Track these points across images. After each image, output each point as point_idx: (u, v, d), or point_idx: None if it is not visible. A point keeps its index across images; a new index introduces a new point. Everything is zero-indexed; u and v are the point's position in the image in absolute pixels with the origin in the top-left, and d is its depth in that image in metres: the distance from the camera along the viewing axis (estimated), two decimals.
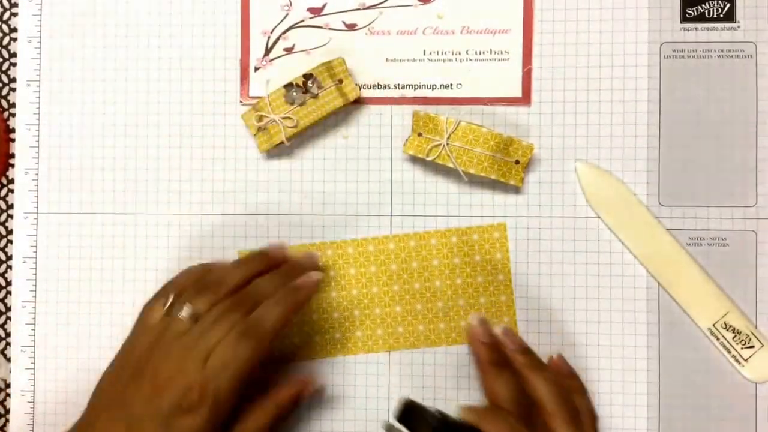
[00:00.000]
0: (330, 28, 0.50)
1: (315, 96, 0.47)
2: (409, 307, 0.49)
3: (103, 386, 0.42)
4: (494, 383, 0.42)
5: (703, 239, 0.48)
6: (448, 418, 0.41)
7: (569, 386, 0.44)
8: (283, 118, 0.47)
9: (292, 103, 0.47)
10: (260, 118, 0.48)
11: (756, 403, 0.47)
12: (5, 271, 0.51)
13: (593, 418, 0.45)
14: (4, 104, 0.51)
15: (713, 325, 0.47)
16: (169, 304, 0.42)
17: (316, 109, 0.47)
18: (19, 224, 0.51)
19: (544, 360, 0.47)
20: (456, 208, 0.49)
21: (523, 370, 0.43)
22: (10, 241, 0.51)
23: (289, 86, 0.48)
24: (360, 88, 0.49)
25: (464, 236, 0.48)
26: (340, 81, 0.48)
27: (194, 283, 0.43)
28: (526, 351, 0.44)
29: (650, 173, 0.48)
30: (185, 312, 0.41)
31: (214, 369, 0.39)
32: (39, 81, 0.51)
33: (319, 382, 0.48)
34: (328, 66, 0.48)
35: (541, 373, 0.43)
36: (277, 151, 0.50)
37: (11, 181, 0.51)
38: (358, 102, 0.49)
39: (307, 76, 0.47)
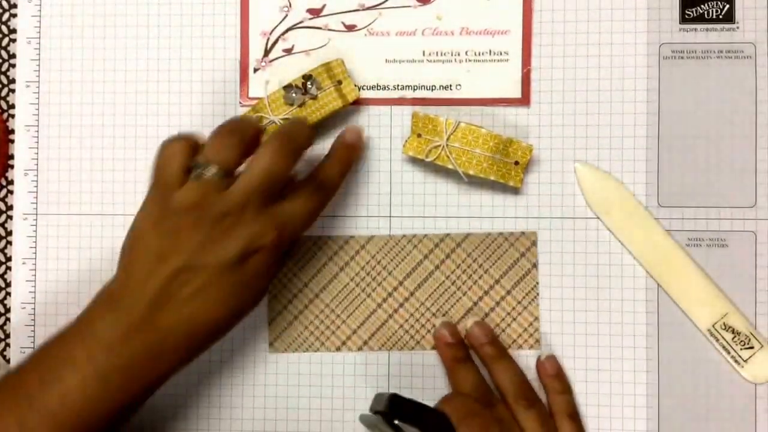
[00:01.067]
0: (329, 29, 0.50)
1: (314, 97, 0.47)
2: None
3: (141, 234, 0.41)
4: (458, 376, 0.46)
5: (703, 240, 0.48)
6: (402, 398, 0.43)
7: (549, 385, 0.47)
8: (283, 119, 0.47)
9: (291, 105, 0.47)
10: (260, 120, 0.48)
11: (755, 404, 0.47)
12: (4, 273, 0.51)
13: (572, 416, 0.46)
14: (4, 105, 0.51)
15: (712, 325, 0.47)
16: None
17: (315, 111, 0.47)
18: (18, 225, 0.51)
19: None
20: (455, 209, 0.49)
21: (488, 359, 0.46)
22: (10, 243, 0.51)
23: (288, 87, 0.48)
24: (359, 89, 0.49)
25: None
26: (339, 82, 0.48)
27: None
28: (493, 342, 0.47)
29: (649, 174, 0.48)
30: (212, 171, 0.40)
31: (285, 218, 0.42)
32: (38, 82, 0.51)
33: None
34: (327, 67, 0.48)
35: (502, 362, 0.46)
36: None
37: (10, 182, 0.51)
38: (358, 103, 0.49)
39: (306, 78, 0.47)
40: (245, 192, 0.40)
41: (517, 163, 0.47)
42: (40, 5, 0.51)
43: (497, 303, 0.48)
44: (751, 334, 0.47)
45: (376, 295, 0.49)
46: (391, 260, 0.49)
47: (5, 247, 0.51)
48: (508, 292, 0.48)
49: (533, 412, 0.44)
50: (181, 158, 0.41)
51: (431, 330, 0.48)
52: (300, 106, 0.47)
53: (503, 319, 0.48)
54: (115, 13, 0.51)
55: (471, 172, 0.47)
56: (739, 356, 0.47)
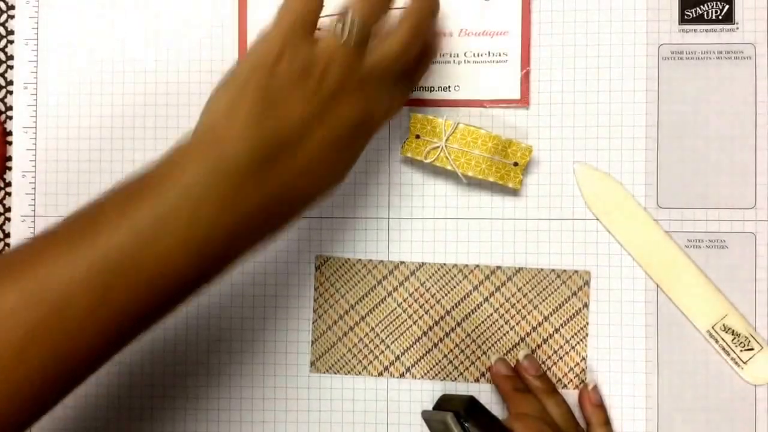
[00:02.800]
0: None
1: None
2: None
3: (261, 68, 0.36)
4: (520, 405, 0.45)
5: (702, 241, 0.47)
6: (479, 404, 0.43)
7: (592, 416, 0.47)
8: None
9: None
10: None
11: (755, 406, 0.47)
12: None
13: None
14: (1, 107, 0.51)
15: (712, 327, 0.47)
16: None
17: None
18: (16, 228, 0.51)
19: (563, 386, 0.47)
20: (454, 210, 0.49)
21: (539, 394, 0.46)
22: (8, 245, 0.51)
23: None
24: None
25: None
26: None
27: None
28: (543, 377, 0.47)
29: (648, 175, 0.48)
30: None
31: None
32: (36, 84, 0.51)
33: None
34: None
35: (554, 397, 0.46)
36: None
37: (8, 184, 0.51)
38: None
39: None
40: (385, 66, 0.38)
41: (516, 164, 0.47)
42: (38, 6, 0.51)
43: (545, 340, 0.48)
44: (751, 335, 0.47)
45: (423, 323, 0.48)
46: (441, 288, 0.48)
47: (3, 249, 0.51)
48: (557, 330, 0.48)
49: None
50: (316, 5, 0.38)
51: (476, 362, 0.48)
52: None
53: (549, 357, 0.48)
54: (113, 14, 0.51)
55: (470, 174, 0.46)
56: (739, 358, 0.47)
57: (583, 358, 0.48)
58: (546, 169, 0.48)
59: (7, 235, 0.51)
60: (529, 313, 0.48)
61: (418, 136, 0.47)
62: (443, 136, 0.46)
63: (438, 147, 0.47)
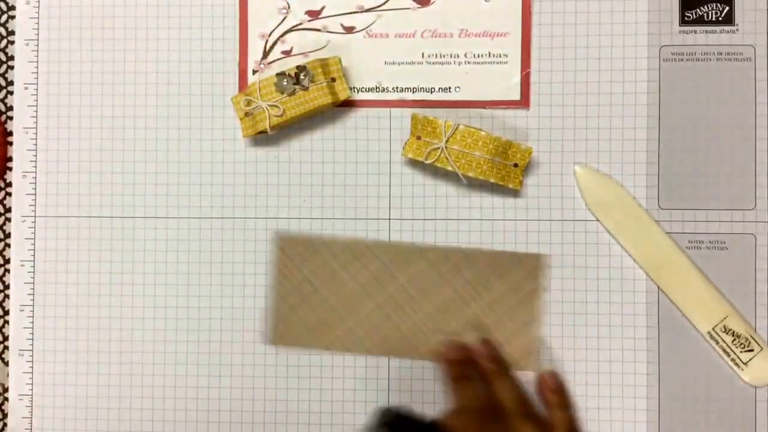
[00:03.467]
0: (328, 31, 0.50)
1: (305, 89, 0.47)
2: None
3: None
4: (462, 396, 0.44)
5: (703, 242, 0.48)
6: (402, 411, 0.42)
7: (549, 400, 0.45)
8: (270, 105, 0.47)
9: (282, 92, 0.47)
10: (248, 103, 0.48)
11: (755, 407, 0.47)
12: (3, 275, 0.51)
13: (573, 430, 0.44)
14: (2, 107, 0.51)
15: (713, 328, 0.47)
16: None
17: (304, 102, 0.47)
18: (16, 228, 0.51)
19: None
20: (455, 211, 0.49)
21: (490, 376, 0.45)
22: (8, 245, 0.51)
23: (281, 75, 0.47)
24: (353, 91, 0.49)
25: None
26: (333, 80, 0.48)
27: None
28: (496, 359, 0.45)
29: (649, 176, 0.48)
30: None
31: None
32: (36, 84, 0.51)
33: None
34: (323, 63, 0.47)
35: (504, 378, 0.44)
36: (276, 155, 0.50)
37: (9, 185, 0.51)
38: (355, 104, 0.49)
39: (301, 69, 0.47)
40: None
41: (516, 165, 0.47)
42: (38, 8, 0.51)
43: (499, 319, 0.48)
44: (751, 336, 0.47)
45: (382, 300, 0.49)
46: (398, 267, 0.48)
47: (4, 249, 0.51)
48: (513, 309, 0.48)
49: (532, 427, 0.43)
50: None
51: (431, 338, 0.48)
52: (290, 95, 0.47)
53: (506, 338, 0.48)
54: (114, 15, 0.51)
55: (470, 175, 0.46)
56: (739, 359, 0.47)
57: (539, 338, 0.47)
58: (546, 170, 0.48)
59: (7, 236, 0.51)
60: (486, 292, 0.48)
61: (418, 137, 0.47)
62: (443, 137, 0.47)
63: (438, 148, 0.47)
